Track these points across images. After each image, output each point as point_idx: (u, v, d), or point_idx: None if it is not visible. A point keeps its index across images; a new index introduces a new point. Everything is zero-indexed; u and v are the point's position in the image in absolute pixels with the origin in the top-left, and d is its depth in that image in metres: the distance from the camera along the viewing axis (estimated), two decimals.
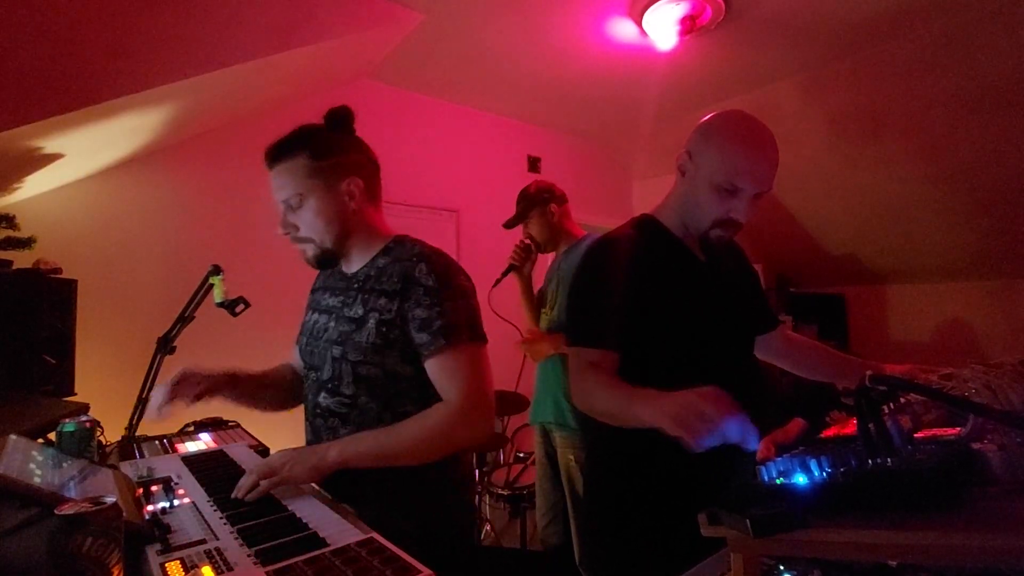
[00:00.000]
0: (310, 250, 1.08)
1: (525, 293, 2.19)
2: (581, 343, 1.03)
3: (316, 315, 1.14)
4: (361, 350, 1.02)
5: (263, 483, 0.92)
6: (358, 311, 1.05)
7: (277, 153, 1.05)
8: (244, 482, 0.93)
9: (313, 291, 1.23)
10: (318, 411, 1.08)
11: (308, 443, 1.11)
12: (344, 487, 0.98)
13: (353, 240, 1.09)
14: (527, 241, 2.12)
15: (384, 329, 1.01)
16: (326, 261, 1.10)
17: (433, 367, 1.00)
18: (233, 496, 0.92)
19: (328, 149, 1.06)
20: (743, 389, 0.86)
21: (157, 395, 1.08)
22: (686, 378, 0.82)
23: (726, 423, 0.70)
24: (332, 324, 1.08)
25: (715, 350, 1.08)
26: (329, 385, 1.06)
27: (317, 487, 0.99)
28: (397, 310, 1.01)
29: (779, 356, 1.35)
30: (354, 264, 1.11)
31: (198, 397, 1.11)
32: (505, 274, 2.13)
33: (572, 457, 1.93)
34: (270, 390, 1.24)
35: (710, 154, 1.01)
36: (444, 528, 1.05)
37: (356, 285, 1.08)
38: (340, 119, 1.09)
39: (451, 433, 0.98)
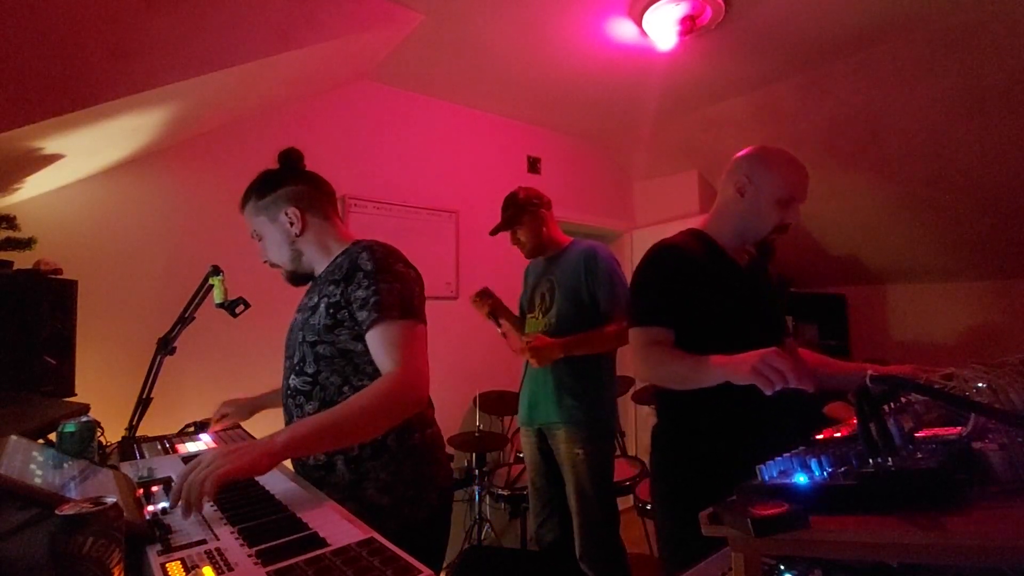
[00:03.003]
0: (282, 273, 1.29)
1: (509, 323, 2.27)
2: (646, 323, 1.25)
3: (296, 314, 1.28)
4: (316, 331, 1.15)
5: (207, 484, 0.81)
6: (314, 299, 1.19)
7: (242, 200, 1.27)
8: (176, 491, 0.83)
9: None
10: (289, 392, 1.21)
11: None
12: (315, 470, 1.12)
13: (307, 256, 1.26)
14: (479, 296, 2.20)
15: (332, 311, 1.13)
16: (295, 279, 1.30)
17: (370, 340, 1.10)
18: (170, 508, 0.86)
19: (267, 188, 1.24)
20: None
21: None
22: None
23: (791, 372, 0.92)
24: (299, 316, 1.24)
25: (752, 336, 1.20)
26: (297, 367, 1.19)
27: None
28: (342, 293, 1.13)
29: None
30: (319, 270, 1.27)
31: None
32: (499, 325, 2.20)
33: (580, 451, 1.96)
34: None
35: (771, 177, 1.31)
36: (415, 497, 1.14)
37: (318, 282, 1.24)
38: (291, 159, 1.29)
39: (392, 400, 1.01)
